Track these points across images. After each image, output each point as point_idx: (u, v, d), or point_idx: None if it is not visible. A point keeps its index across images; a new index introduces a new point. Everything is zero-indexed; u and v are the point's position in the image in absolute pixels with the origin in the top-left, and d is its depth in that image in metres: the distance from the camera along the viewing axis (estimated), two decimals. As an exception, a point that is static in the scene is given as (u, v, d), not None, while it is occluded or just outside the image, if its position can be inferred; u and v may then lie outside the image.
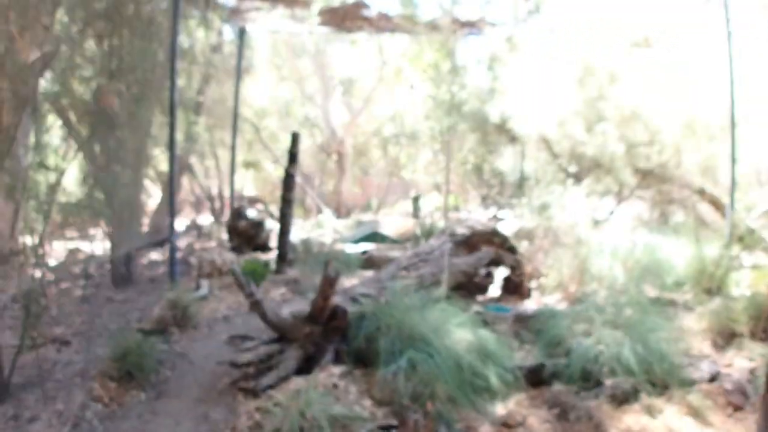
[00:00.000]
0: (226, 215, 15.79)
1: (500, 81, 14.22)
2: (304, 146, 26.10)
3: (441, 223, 13.83)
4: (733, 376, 6.05)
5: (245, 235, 12.77)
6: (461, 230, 9.32)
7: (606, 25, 11.82)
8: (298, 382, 5.49)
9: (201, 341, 7.27)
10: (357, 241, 13.61)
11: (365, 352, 5.98)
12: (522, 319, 7.39)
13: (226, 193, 18.14)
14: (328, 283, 6.06)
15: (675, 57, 12.19)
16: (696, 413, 5.37)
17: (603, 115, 11.95)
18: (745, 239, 9.54)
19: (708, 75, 12.02)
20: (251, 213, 13.10)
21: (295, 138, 11.16)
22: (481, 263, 9.10)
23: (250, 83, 21.26)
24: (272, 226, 13.33)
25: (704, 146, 12.54)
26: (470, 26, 14.40)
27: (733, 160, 10.90)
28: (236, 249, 12.43)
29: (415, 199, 21.90)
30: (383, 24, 14.19)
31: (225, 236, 13.47)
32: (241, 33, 14.68)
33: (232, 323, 8.03)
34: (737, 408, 5.60)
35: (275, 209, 15.40)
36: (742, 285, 8.68)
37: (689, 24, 12.72)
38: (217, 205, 19.06)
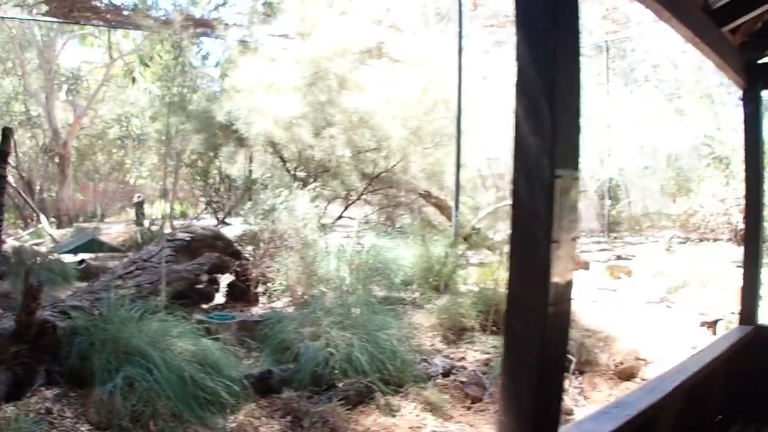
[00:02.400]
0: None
1: (231, 82, 14.82)
2: (25, 148, 24.70)
3: (167, 230, 14.06)
4: (468, 369, 7.06)
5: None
6: (182, 235, 9.59)
7: (339, 33, 13.01)
8: (8, 409, 5.28)
9: None
10: (74, 249, 13.33)
11: (79, 371, 5.87)
12: (247, 326, 7.79)
13: None
14: (31, 296, 5.91)
15: (405, 68, 13.75)
16: (434, 408, 6.11)
17: (331, 120, 13.02)
18: (471, 238, 11.09)
19: (436, 86, 13.81)
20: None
21: (5, 134, 10.51)
22: (202, 269, 9.37)
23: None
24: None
25: (430, 152, 14.24)
26: (204, 26, 14.85)
27: (458, 166, 12.35)
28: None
29: (138, 205, 21.80)
30: (113, 17, 14.13)
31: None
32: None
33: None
34: (476, 400, 6.51)
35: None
36: (469, 281, 10.09)
37: (421, 37, 14.46)
38: None
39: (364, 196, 14.77)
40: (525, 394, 2.02)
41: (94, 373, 5.66)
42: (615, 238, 17.45)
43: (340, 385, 6.36)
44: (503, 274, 9.59)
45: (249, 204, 10.25)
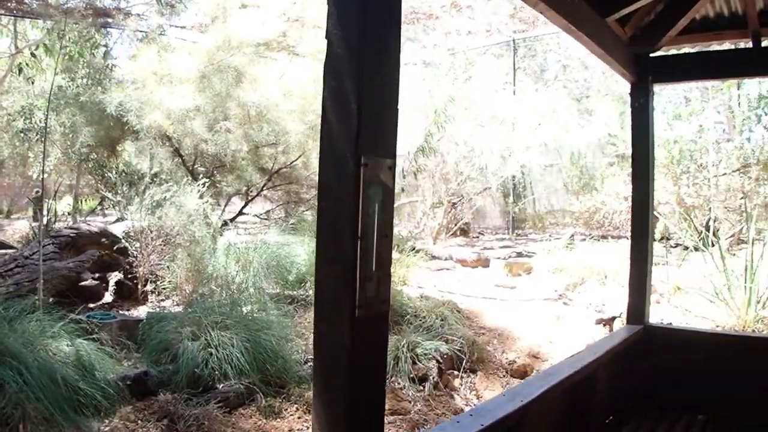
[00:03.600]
0: None
1: (122, 73, 14.41)
2: None
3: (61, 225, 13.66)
4: None
5: None
6: (66, 232, 9.21)
7: (238, 25, 12.79)
8: None
9: None
10: None
11: None
12: (128, 326, 7.49)
13: None
14: None
15: (305, 62, 13.55)
16: None
17: (228, 113, 12.77)
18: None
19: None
20: None
21: None
22: (83, 267, 8.97)
23: None
24: None
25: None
26: (105, 15, 14.38)
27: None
28: None
29: (36, 200, 21.10)
30: (15, 6, 13.60)
31: None
32: None
33: None
34: None
35: None
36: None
37: (322, 30, 14.29)
38: None
39: (264, 192, 14.54)
40: (335, 406, 1.84)
41: None
42: (518, 235, 17.62)
43: (220, 386, 6.17)
44: (401, 271, 9.55)
45: (137, 199, 9.85)
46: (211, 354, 6.38)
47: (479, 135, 15.36)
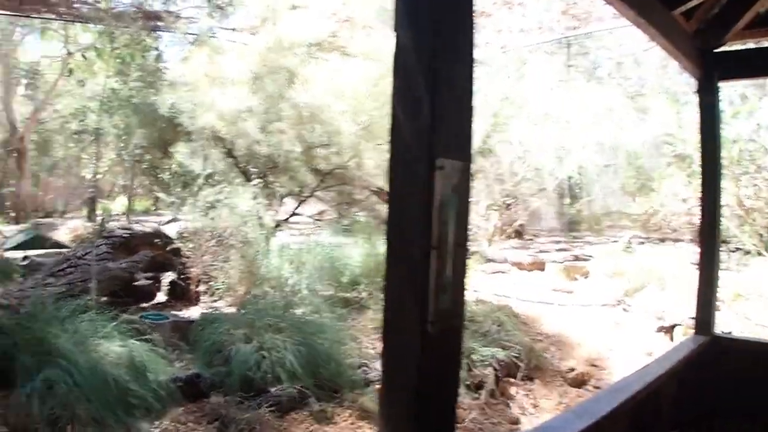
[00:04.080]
0: None
1: (176, 75, 14.47)
2: None
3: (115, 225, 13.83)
4: None
5: None
6: (119, 232, 9.28)
7: (289, 26, 12.78)
8: None
9: None
10: (18, 246, 12.85)
11: (1, 372, 5.53)
12: (180, 327, 7.48)
13: None
14: None
15: (357, 62, 13.52)
16: (371, 416, 5.85)
17: (280, 114, 12.76)
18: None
19: (388, 81, 13.55)
20: None
21: None
22: (136, 267, 9.06)
23: None
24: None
25: (384, 149, 13.98)
26: (156, 18, 14.48)
27: None
28: None
29: (90, 201, 21.53)
30: (65, 10, 13.74)
31: None
32: None
33: None
34: None
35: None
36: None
37: (374, 32, 14.23)
38: None
39: (317, 193, 14.48)
40: (402, 423, 1.71)
41: (17, 375, 5.36)
42: (574, 237, 17.34)
43: (272, 390, 6.06)
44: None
45: (190, 200, 9.85)
46: (263, 357, 6.30)
47: (534, 134, 15.12)
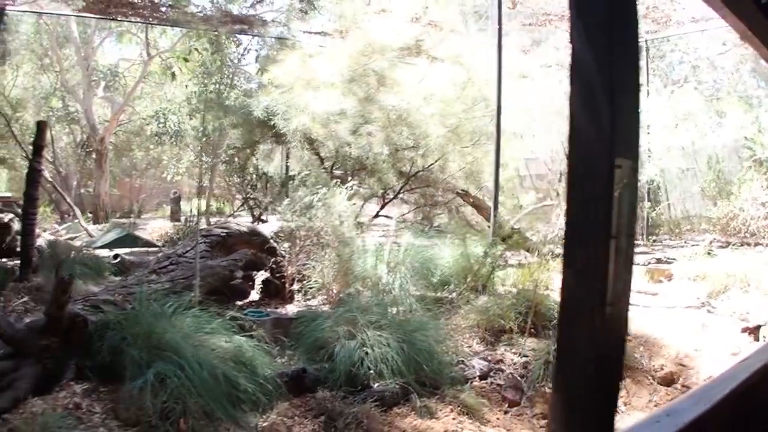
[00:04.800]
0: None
1: (269, 78, 14.77)
2: (62, 144, 25.19)
3: (203, 226, 14.16)
4: (506, 371, 6.95)
5: (-14, 238, 11.58)
6: (217, 231, 9.54)
7: (377, 31, 12.98)
8: (36, 403, 5.17)
9: None
10: (108, 244, 13.18)
11: (111, 366, 5.75)
12: (281, 324, 7.70)
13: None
14: (61, 289, 5.82)
15: (444, 66, 13.66)
16: (471, 412, 6.00)
17: (369, 117, 12.96)
18: (511, 239, 10.91)
19: (474, 84, 13.72)
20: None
21: (40, 127, 10.65)
22: (237, 265, 9.32)
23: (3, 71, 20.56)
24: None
25: (468, 152, 14.10)
26: (242, 22, 14.84)
27: (497, 165, 12.23)
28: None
29: (175, 201, 22.08)
30: (150, 14, 14.17)
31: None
32: (0, 14, 13.67)
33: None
34: (513, 404, 6.40)
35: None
36: (507, 283, 9.95)
37: (460, 35, 14.38)
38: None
39: (400, 195, 14.68)
40: (580, 403, 1.88)
41: (126, 368, 5.53)
42: (654, 241, 17.15)
43: (375, 385, 6.25)
44: (542, 276, 9.46)
45: (286, 201, 10.07)
46: (366, 353, 6.45)
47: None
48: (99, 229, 18.16)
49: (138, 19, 15.50)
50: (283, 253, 9.53)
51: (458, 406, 6.18)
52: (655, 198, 18.32)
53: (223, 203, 23.39)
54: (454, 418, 6.02)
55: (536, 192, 14.85)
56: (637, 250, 15.47)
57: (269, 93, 13.61)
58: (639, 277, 12.17)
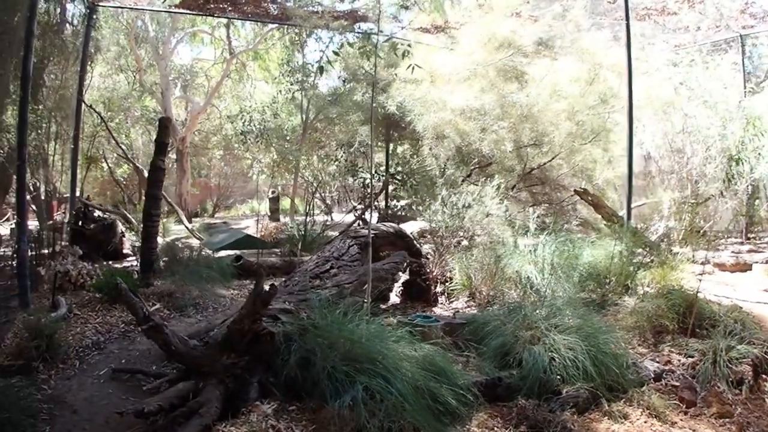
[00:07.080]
0: (57, 217, 14.31)
1: (399, 74, 14.67)
2: (139, 143, 25.51)
3: (311, 227, 14.22)
4: (677, 372, 6.69)
5: (94, 240, 11.76)
6: (364, 232, 9.22)
7: (507, 26, 12.87)
8: (229, 430, 4.90)
9: (76, 378, 6.29)
10: (226, 246, 12.98)
11: (299, 382, 5.44)
12: (453, 329, 7.40)
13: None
14: (261, 302, 5.48)
15: (569, 62, 13.51)
16: (658, 414, 5.76)
17: (497, 114, 12.84)
18: (636, 237, 10.71)
19: (598, 81, 13.56)
20: (97, 214, 12.24)
21: (163, 124, 10.50)
22: (398, 268, 9.04)
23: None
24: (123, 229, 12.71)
25: (587, 149, 13.87)
26: (354, 19, 14.70)
27: (630, 164, 12.06)
28: (84, 256, 10.72)
29: (274, 200, 22.15)
30: (252, 9, 14.10)
31: (65, 242, 11.63)
32: (91, 10, 13.58)
33: (107, 351, 7.17)
34: (690, 404, 6.22)
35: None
36: (644, 282, 9.79)
37: (584, 31, 14.19)
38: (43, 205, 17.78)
39: (513, 193, 14.54)
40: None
41: (317, 384, 5.25)
42: (760, 238, 16.86)
43: (565, 391, 6.00)
44: (681, 275, 9.29)
45: (427, 201, 9.91)
46: (553, 358, 6.27)
47: (720, 134, 14.76)
48: (191, 228, 18.30)
49: (236, 15, 15.37)
50: (428, 254, 9.37)
51: (645, 409, 5.96)
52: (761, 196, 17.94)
53: (304, 204, 23.39)
54: (645, 421, 5.77)
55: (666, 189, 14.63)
56: (744, 248, 15.18)
57: (400, 89, 13.55)
58: (759, 275, 11.95)
